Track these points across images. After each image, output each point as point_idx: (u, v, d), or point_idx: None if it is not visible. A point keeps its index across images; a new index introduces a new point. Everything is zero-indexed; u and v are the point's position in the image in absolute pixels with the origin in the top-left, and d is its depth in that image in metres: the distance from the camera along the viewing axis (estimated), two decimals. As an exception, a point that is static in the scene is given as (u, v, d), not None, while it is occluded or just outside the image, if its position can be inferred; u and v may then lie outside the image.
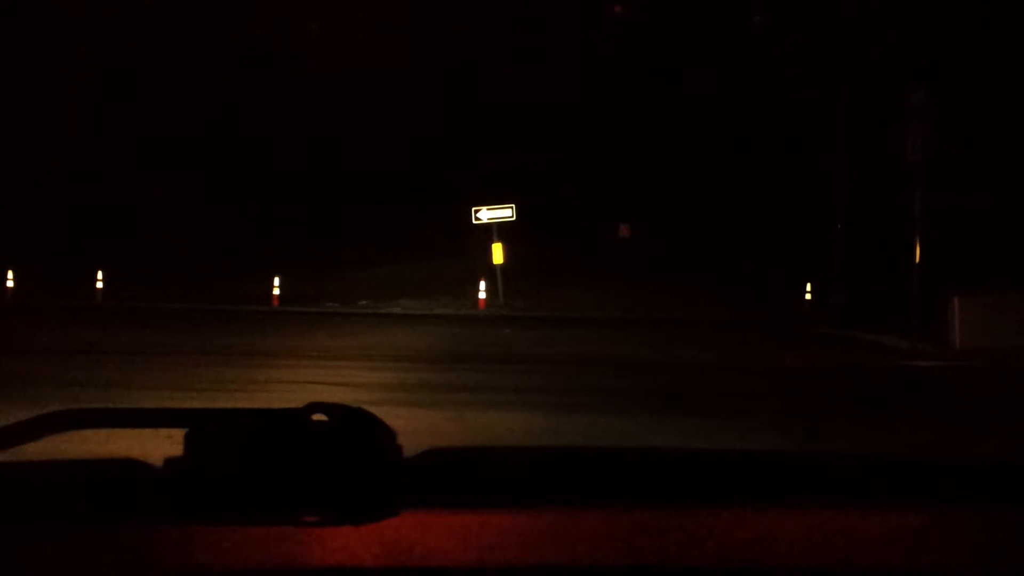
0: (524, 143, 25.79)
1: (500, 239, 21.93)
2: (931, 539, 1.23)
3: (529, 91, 25.73)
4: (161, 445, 1.21)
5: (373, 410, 1.17)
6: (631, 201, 26.00)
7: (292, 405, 1.18)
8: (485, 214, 22.25)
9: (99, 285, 21.66)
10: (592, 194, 25.81)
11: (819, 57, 22.40)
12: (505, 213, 22.17)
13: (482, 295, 21.46)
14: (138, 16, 26.10)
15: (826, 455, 1.46)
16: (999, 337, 14.05)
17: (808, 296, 21.76)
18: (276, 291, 21.32)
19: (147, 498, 1.16)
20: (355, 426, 1.15)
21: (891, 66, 20.58)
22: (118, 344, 13.13)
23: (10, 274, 21.88)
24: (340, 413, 1.16)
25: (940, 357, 14.02)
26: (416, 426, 6.96)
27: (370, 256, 24.41)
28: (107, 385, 9.28)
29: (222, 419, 1.19)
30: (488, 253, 22.07)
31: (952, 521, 1.27)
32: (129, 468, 1.19)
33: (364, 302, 21.73)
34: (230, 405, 4.63)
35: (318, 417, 1.16)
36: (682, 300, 21.98)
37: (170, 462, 1.15)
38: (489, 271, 21.90)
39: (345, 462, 1.14)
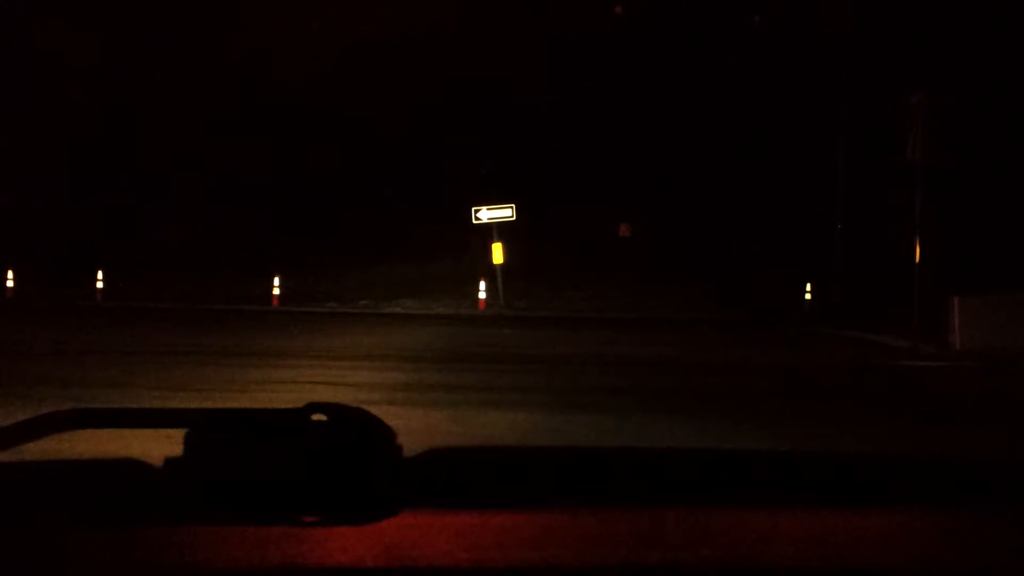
0: (525, 143, 25.79)
1: (500, 239, 21.92)
2: (931, 539, 1.23)
3: (529, 91, 25.73)
4: (161, 445, 1.21)
5: (373, 410, 1.17)
6: (631, 201, 25.99)
7: (292, 405, 1.18)
8: (485, 214, 22.24)
9: (99, 285, 21.66)
10: (592, 194, 25.79)
11: (820, 57, 22.40)
12: (505, 213, 22.17)
13: (482, 295, 21.46)
14: (138, 16, 26.11)
15: (826, 455, 1.46)
16: (999, 337, 14.05)
17: (808, 296, 21.76)
18: (276, 291, 21.32)
19: (147, 498, 1.16)
20: (355, 426, 1.15)
21: (892, 66, 20.57)
22: (118, 344, 13.14)
23: (10, 274, 21.89)
24: (340, 413, 1.16)
25: (940, 357, 14.02)
26: (416, 426, 6.97)
27: (370, 256, 24.41)
28: (107, 385, 9.28)
29: (222, 419, 1.19)
30: (488, 253, 22.07)
31: (952, 521, 1.27)
32: (129, 468, 1.19)
33: (364, 302, 21.74)
34: (230, 405, 4.63)
35: (318, 417, 1.16)
36: (682, 300, 21.99)
37: (170, 462, 1.15)
38: (489, 271, 21.89)
39: (345, 462, 1.13)
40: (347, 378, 10.27)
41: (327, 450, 1.14)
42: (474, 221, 22.37)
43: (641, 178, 25.84)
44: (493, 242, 21.93)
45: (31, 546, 1.13)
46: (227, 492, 1.13)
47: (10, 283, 21.91)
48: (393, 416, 1.24)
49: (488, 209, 22.24)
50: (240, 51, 25.86)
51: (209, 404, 8.03)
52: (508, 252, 22.00)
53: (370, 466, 1.14)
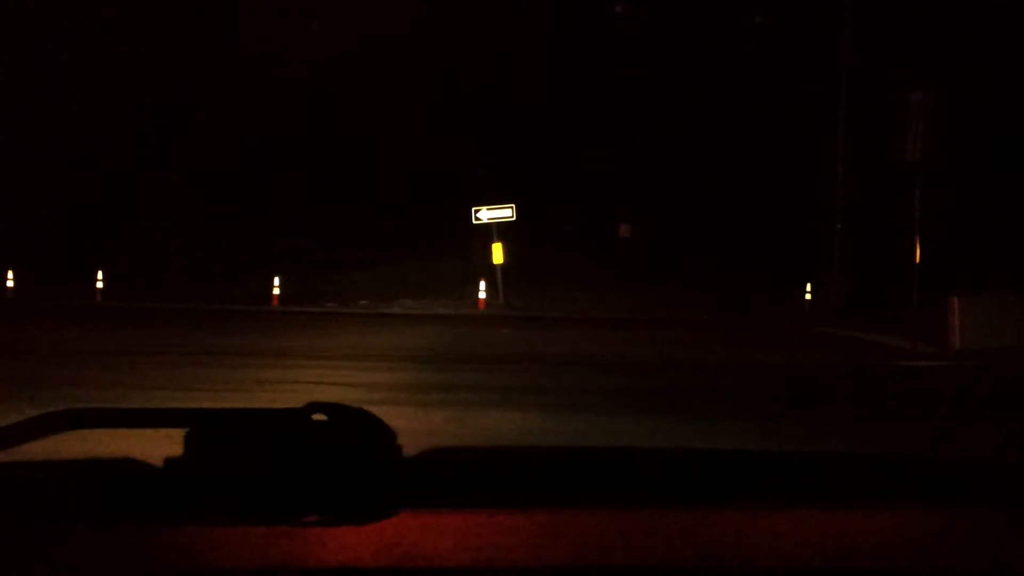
0: (524, 143, 25.78)
1: (500, 239, 21.93)
2: (931, 539, 1.23)
3: (529, 91, 25.72)
4: (161, 445, 1.21)
5: (373, 410, 1.17)
6: (631, 201, 25.99)
7: (292, 405, 1.18)
8: (485, 214, 22.25)
9: (99, 285, 21.65)
10: (592, 194, 25.79)
11: (819, 56, 22.40)
12: (505, 213, 22.17)
13: (482, 295, 21.46)
14: (138, 16, 26.12)
15: (826, 455, 1.46)
16: (999, 337, 14.04)
17: (808, 296, 21.76)
18: (276, 291, 21.31)
19: (147, 498, 1.16)
20: (355, 426, 1.15)
21: (891, 66, 20.57)
22: (118, 344, 13.13)
23: (10, 274, 21.88)
24: (340, 413, 1.16)
25: (940, 357, 14.02)
26: (416, 426, 6.97)
27: (370, 256, 24.40)
28: (107, 385, 9.28)
29: (222, 419, 1.19)
30: (488, 253, 22.07)
31: (952, 521, 1.27)
32: (129, 468, 1.19)
33: (364, 302, 21.73)
34: (230, 405, 4.63)
35: (318, 417, 1.16)
36: (681, 300, 21.98)
37: (170, 462, 1.15)
38: (489, 271, 21.89)
39: (345, 462, 1.14)
40: (347, 378, 10.27)
41: (327, 450, 1.14)
42: (474, 221, 22.37)
43: (641, 178, 25.83)
44: (493, 242, 21.93)
45: (31, 546, 1.13)
46: (227, 492, 1.13)
47: (10, 283, 21.91)
48: (393, 416, 1.24)
49: (488, 209, 22.24)
50: (239, 48, 25.87)
51: (209, 404, 8.03)
52: (508, 252, 22.00)
53: (370, 466, 1.14)
